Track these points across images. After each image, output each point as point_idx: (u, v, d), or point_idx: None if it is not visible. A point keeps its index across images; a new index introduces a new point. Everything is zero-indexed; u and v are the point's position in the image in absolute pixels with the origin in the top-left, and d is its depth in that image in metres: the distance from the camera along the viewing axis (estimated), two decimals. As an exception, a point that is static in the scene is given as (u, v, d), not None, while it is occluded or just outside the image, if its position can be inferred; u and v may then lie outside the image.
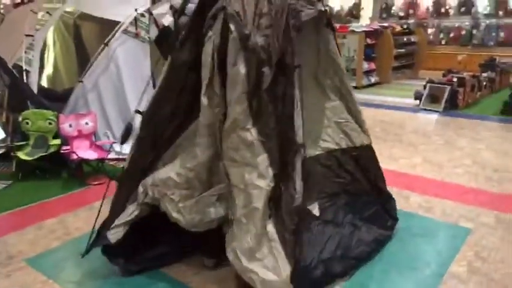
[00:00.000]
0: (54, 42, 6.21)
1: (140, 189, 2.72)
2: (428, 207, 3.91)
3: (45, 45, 5.93)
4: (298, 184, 2.30)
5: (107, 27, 5.77)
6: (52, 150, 4.49)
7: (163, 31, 5.16)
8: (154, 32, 5.28)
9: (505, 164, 5.11)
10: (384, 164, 5.01)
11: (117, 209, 2.76)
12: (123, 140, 2.93)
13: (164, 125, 2.71)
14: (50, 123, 4.62)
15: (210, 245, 2.87)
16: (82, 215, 3.74)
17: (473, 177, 4.67)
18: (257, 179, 2.32)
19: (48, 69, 6.19)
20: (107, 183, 3.02)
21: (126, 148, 5.04)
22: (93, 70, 5.08)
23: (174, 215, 2.62)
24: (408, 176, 4.73)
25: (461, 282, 2.77)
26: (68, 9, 6.04)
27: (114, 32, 5.11)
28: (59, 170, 4.60)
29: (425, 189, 4.31)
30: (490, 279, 2.80)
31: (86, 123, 4.64)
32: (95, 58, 5.10)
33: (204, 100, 2.46)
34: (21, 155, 4.41)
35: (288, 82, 2.37)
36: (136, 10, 5.11)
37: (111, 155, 4.76)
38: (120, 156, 4.96)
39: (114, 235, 2.70)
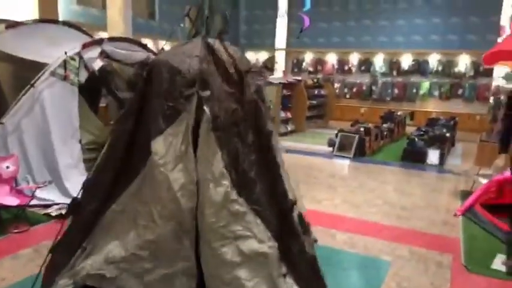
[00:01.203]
0: (-34, 81, 5.78)
1: (84, 270, 2.61)
2: (352, 243, 4.28)
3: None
4: (302, 235, 2.49)
5: (27, 68, 5.57)
6: (-34, 196, 4.12)
7: (101, 73, 5.14)
8: (84, 75, 5.23)
9: (410, 203, 5.78)
10: (309, 205, 5.42)
11: (49, 280, 2.64)
12: (71, 213, 2.80)
13: (107, 191, 2.67)
14: (-36, 167, 4.25)
15: None
16: (6, 264, 3.46)
17: (386, 216, 5.21)
18: (258, 245, 2.41)
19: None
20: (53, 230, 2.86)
21: (49, 194, 4.80)
22: (16, 111, 4.83)
23: None
24: (331, 216, 5.13)
25: (388, 309, 3.08)
26: (-16, 48, 5.72)
27: (41, 73, 4.96)
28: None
29: (348, 227, 4.71)
30: (411, 304, 3.16)
31: (7, 167, 4.36)
32: (18, 99, 4.86)
33: (171, 174, 2.45)
34: None
35: (268, 147, 2.59)
36: (66, 53, 5.04)
37: (33, 202, 4.47)
38: (42, 203, 4.69)
39: None
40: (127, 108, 2.72)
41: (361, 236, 4.47)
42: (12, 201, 4.21)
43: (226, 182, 2.45)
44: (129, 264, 2.54)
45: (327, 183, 6.71)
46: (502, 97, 9.42)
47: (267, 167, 2.56)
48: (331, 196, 5.98)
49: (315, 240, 3.72)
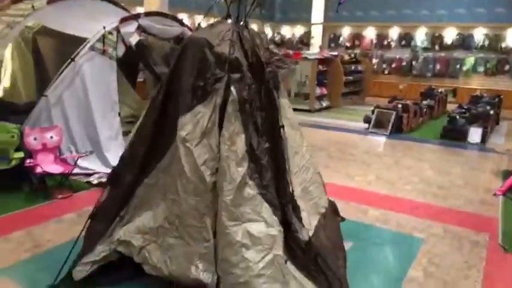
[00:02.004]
0: (12, 56, 6.04)
1: (117, 235, 2.72)
2: (384, 220, 4.24)
3: (3, 58, 5.77)
4: (298, 225, 2.56)
5: (68, 42, 5.75)
6: (15, 163, 4.38)
7: (138, 48, 5.25)
8: (121, 50, 5.35)
9: (447, 181, 5.63)
10: (342, 181, 5.42)
11: (88, 243, 2.76)
12: (112, 183, 2.94)
13: (141, 165, 2.76)
14: (12, 136, 4.50)
15: None
16: (52, 227, 3.69)
17: (421, 193, 5.11)
18: (266, 228, 2.47)
19: (5, 83, 6.00)
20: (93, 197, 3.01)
21: (91, 164, 5.02)
22: (58, 85, 5.03)
23: (160, 264, 2.58)
24: (365, 192, 5.09)
25: (419, 285, 3.06)
26: (28, 24, 5.93)
27: (81, 47, 5.12)
28: (20, 184, 4.47)
29: (381, 204, 4.66)
30: (443, 281, 3.12)
31: (51, 137, 4.58)
32: (60, 73, 5.06)
33: (196, 150, 2.50)
34: (-19, 169, 4.25)
35: (278, 140, 2.65)
36: (104, 28, 5.16)
37: (76, 170, 4.70)
38: (84, 172, 4.92)
39: (80, 273, 2.69)
40: (161, 83, 2.77)
41: (394, 212, 4.43)
42: (57, 169, 4.44)
43: (246, 164, 2.51)
44: (155, 236, 2.62)
45: (361, 160, 6.63)
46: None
47: (275, 158, 2.63)
48: (365, 172, 5.91)
49: (342, 219, 3.74)
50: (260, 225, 2.48)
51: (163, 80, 2.76)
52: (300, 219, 2.63)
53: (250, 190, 2.51)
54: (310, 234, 2.67)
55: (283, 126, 2.72)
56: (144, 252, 2.64)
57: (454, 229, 4.06)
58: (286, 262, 2.48)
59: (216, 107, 2.54)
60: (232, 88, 2.55)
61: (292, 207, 2.64)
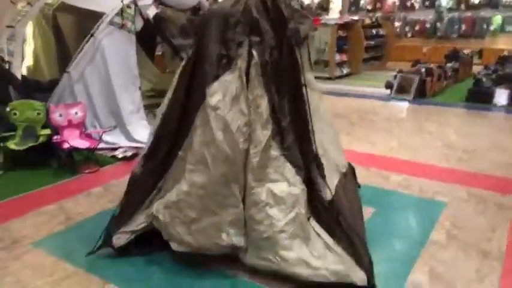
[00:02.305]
0: (33, 33, 6.15)
1: (152, 209, 2.77)
2: (406, 185, 4.23)
3: (25, 36, 5.88)
4: (322, 185, 2.59)
5: (87, 18, 5.79)
6: (42, 140, 4.53)
7: (156, 21, 5.25)
8: (139, 24, 5.36)
9: (472, 145, 5.53)
10: (363, 147, 5.40)
11: (126, 213, 2.85)
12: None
13: (174, 136, 2.79)
14: (38, 114, 4.64)
15: None
16: (81, 200, 3.84)
17: (445, 158, 5.05)
18: (289, 188, 2.54)
19: (28, 61, 6.13)
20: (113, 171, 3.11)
21: (114, 138, 5.14)
22: (79, 61, 5.11)
23: (187, 238, 2.62)
24: (386, 158, 5.06)
25: (441, 248, 3.07)
26: (47, 1, 5.99)
27: (99, 22, 5.15)
28: (48, 160, 4.63)
29: (403, 169, 4.63)
30: (466, 244, 3.12)
31: (76, 113, 4.69)
32: (80, 49, 5.12)
33: (228, 116, 2.50)
34: (11, 145, 4.42)
35: (300, 99, 2.65)
36: (122, 1, 5.16)
37: (101, 145, 4.83)
38: (109, 146, 5.05)
39: (118, 240, 2.80)
40: (188, 55, 2.77)
41: (416, 178, 4.40)
42: (83, 144, 4.57)
43: (270, 127, 2.55)
44: (178, 210, 2.64)
45: (382, 126, 6.55)
46: None
47: (298, 118, 2.64)
48: (386, 139, 5.85)
49: (358, 186, 3.76)
50: (283, 185, 2.55)
51: (189, 52, 2.75)
52: (323, 177, 2.65)
53: (273, 151, 2.57)
54: (332, 193, 2.70)
55: (305, 85, 2.71)
56: (168, 227, 2.69)
57: (478, 192, 4.02)
58: (309, 219, 2.55)
59: (242, 72, 2.56)
60: (253, 52, 2.56)
61: (316, 165, 2.67)
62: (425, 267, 2.82)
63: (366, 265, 2.48)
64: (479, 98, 8.16)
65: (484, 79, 8.52)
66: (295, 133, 2.66)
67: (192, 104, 2.71)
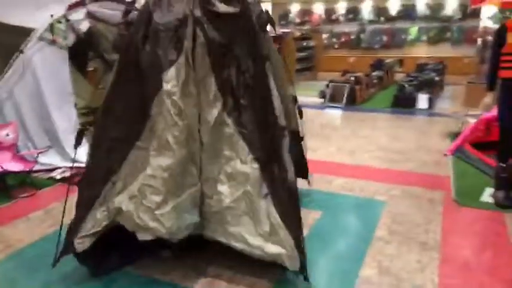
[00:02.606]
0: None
1: (112, 205, 2.69)
2: (348, 187, 4.47)
3: None
4: (288, 163, 2.62)
5: (15, 33, 5.48)
6: (-31, 165, 4.20)
7: (87, 36, 5.08)
8: (71, 39, 5.16)
9: (402, 147, 5.97)
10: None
11: (81, 214, 2.72)
12: (77, 144, 2.89)
13: (120, 124, 2.71)
14: (-37, 137, 4.30)
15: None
16: (20, 226, 3.61)
17: (379, 160, 5.41)
18: (241, 165, 2.60)
19: None
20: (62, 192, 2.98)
21: (50, 159, 4.88)
22: (8, 79, 4.81)
23: (152, 224, 2.58)
24: (327, 163, 5.31)
25: (385, 243, 3.30)
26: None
27: (29, 38, 4.90)
28: (-23, 186, 4.30)
29: (343, 173, 4.90)
30: (406, 237, 3.38)
31: (7, 135, 4.42)
32: (9, 66, 4.83)
33: (180, 101, 2.53)
34: None
35: (262, 73, 2.65)
36: (52, 16, 4.96)
37: (36, 167, 4.57)
38: (45, 168, 4.79)
39: (81, 245, 2.67)
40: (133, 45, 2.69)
41: (356, 179, 4.67)
42: (16, 166, 4.30)
43: (219, 105, 2.61)
44: (143, 197, 2.60)
45: (320, 133, 6.86)
46: (490, 38, 9.44)
47: (260, 92, 2.65)
48: (325, 145, 6.14)
49: (308, 182, 3.98)
50: (235, 162, 2.64)
51: (136, 42, 2.67)
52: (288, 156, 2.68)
53: (228, 129, 2.64)
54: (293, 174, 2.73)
55: (266, 57, 2.71)
56: (133, 217, 2.62)
57: (412, 189, 4.36)
58: (266, 196, 2.61)
59: (188, 53, 2.55)
60: (198, 30, 2.56)
61: (284, 141, 2.67)
62: (373, 263, 3.01)
63: (302, 252, 2.61)
64: (403, 103, 8.83)
65: (406, 86, 9.23)
66: (254, 108, 2.65)
67: (142, 94, 2.66)
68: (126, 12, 3.40)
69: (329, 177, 4.74)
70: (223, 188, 2.65)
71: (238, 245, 2.66)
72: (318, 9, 16.27)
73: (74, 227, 2.70)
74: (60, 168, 4.79)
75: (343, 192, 4.35)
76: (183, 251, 2.92)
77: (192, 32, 2.56)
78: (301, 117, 3.82)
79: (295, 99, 3.77)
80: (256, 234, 2.61)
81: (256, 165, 2.62)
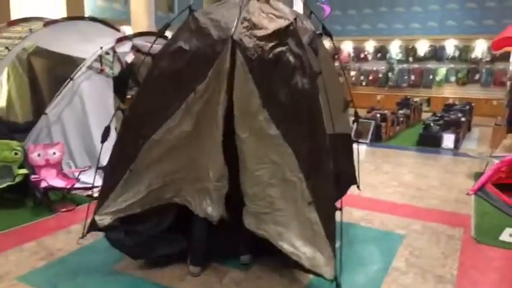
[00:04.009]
0: (8, 76, 6.29)
1: (146, 186, 3.18)
2: (368, 220, 4.62)
3: (0, 80, 6.01)
4: (330, 175, 2.86)
5: (62, 62, 6.02)
6: (19, 179, 4.60)
7: (128, 68, 5.55)
8: (117, 69, 5.65)
9: (424, 184, 6.07)
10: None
11: (103, 195, 3.22)
12: (104, 139, 3.42)
13: (143, 124, 3.16)
14: (16, 154, 4.73)
15: (197, 252, 3.27)
16: (60, 237, 3.93)
17: (401, 195, 5.53)
18: (289, 173, 2.88)
19: (1, 102, 6.22)
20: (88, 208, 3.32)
21: (90, 178, 5.24)
22: (58, 103, 5.29)
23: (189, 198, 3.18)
24: (348, 195, 5.42)
25: (402, 274, 3.43)
26: (24, 46, 6.18)
27: (79, 67, 5.40)
28: (24, 199, 4.68)
29: (364, 206, 5.05)
30: (423, 270, 3.50)
31: (54, 153, 4.83)
32: (59, 92, 5.32)
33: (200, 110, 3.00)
34: (-13, 185, 4.46)
35: (312, 87, 2.88)
36: (101, 48, 5.46)
37: (76, 184, 4.93)
38: (84, 186, 5.15)
39: (101, 221, 3.16)
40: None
41: (377, 213, 4.81)
42: (60, 183, 4.68)
43: (262, 118, 2.87)
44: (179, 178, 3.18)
45: (344, 167, 7.02)
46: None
47: (309, 106, 2.87)
48: (348, 178, 6.30)
49: (358, 187, 4.44)
50: (283, 169, 2.90)
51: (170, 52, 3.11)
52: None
53: (277, 139, 2.88)
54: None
55: (318, 74, 2.99)
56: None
57: (431, 225, 4.47)
58: (310, 204, 2.84)
59: (224, 67, 2.88)
60: (237, 51, 2.86)
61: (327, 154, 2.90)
62: (389, 291, 3.15)
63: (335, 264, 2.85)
64: (428, 142, 8.91)
65: (432, 125, 9.34)
66: (302, 122, 2.88)
67: (169, 98, 3.08)
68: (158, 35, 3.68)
69: (349, 208, 4.89)
70: (273, 191, 2.95)
71: (284, 246, 2.93)
72: (347, 47, 16.69)
73: (97, 207, 3.16)
74: (97, 187, 5.13)
75: (363, 223, 4.50)
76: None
77: (231, 53, 2.88)
78: (357, 119, 4.19)
79: (347, 104, 4.08)
80: (301, 238, 2.87)
81: (301, 175, 2.86)
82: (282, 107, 2.87)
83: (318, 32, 3.36)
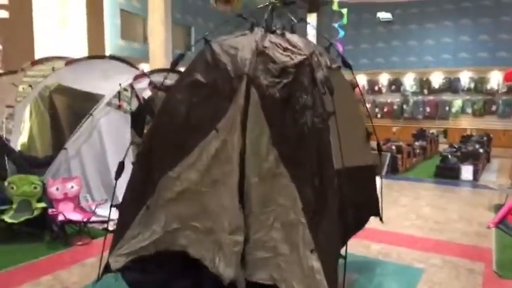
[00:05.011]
0: (31, 114, 6.52)
1: (157, 227, 3.09)
2: (386, 253, 4.52)
3: (23, 116, 6.23)
4: (336, 221, 2.77)
5: (81, 98, 6.23)
6: (37, 213, 4.68)
7: (146, 103, 5.71)
8: (135, 104, 5.81)
9: (443, 217, 5.95)
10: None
11: (120, 230, 3.15)
12: (118, 176, 3.40)
13: (160, 161, 3.11)
14: (35, 188, 4.84)
15: None
16: (75, 271, 3.95)
17: (419, 229, 5.42)
18: (294, 217, 2.78)
19: (24, 138, 6.43)
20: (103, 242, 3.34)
21: (106, 211, 5.31)
22: (77, 138, 5.44)
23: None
24: (366, 229, 5.34)
25: (421, 309, 3.33)
26: (47, 83, 6.44)
27: (98, 103, 5.58)
28: (41, 232, 4.75)
29: (382, 239, 4.95)
30: (443, 305, 3.39)
31: (72, 187, 4.92)
32: (79, 127, 5.48)
33: (230, 144, 2.90)
34: (6, 218, 4.55)
35: (322, 127, 2.83)
36: (120, 85, 5.65)
37: (93, 218, 4.99)
38: (101, 219, 5.20)
39: (115, 264, 3.06)
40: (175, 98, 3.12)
41: (394, 246, 4.72)
42: (77, 216, 4.74)
43: (272, 158, 2.82)
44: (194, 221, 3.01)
45: (360, 200, 6.95)
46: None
47: (317, 146, 2.80)
48: (364, 211, 6.22)
49: (380, 219, 4.18)
50: (289, 212, 2.79)
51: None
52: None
53: (284, 180, 2.80)
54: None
55: (328, 114, 2.87)
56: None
57: (451, 259, 4.35)
58: (312, 252, 2.73)
59: (239, 105, 2.86)
60: (252, 88, 2.86)
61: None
62: (407, 328, 3.05)
63: None
64: (446, 174, 8.79)
65: (450, 156, 9.23)
66: (311, 161, 2.80)
67: (187, 134, 3.04)
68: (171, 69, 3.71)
69: (367, 242, 4.81)
70: (277, 235, 2.83)
71: None
72: (361, 80, 16.84)
73: (112, 246, 3.09)
74: (113, 220, 5.18)
75: (381, 257, 4.41)
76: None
77: (246, 90, 2.86)
78: (380, 151, 4.05)
79: (369, 135, 4.02)
80: (303, 286, 2.73)
81: (304, 220, 2.76)
82: (291, 145, 2.82)
83: (336, 66, 3.30)
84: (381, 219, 4.27)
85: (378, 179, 4.22)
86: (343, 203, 2.81)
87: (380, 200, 4.17)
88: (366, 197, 4.00)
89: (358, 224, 3.94)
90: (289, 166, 2.81)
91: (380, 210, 4.20)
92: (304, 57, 2.94)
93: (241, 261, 2.90)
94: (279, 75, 2.89)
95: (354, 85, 3.83)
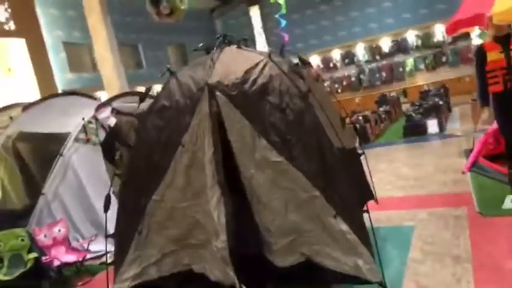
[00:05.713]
0: (-3, 167, 6.36)
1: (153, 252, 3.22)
2: (376, 219, 4.66)
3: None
4: (346, 185, 2.92)
5: (47, 141, 6.12)
6: (30, 264, 4.60)
7: (111, 130, 5.67)
8: (102, 134, 5.77)
9: (420, 172, 6.23)
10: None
11: (119, 259, 3.32)
12: (106, 208, 3.48)
13: (143, 186, 3.26)
14: (22, 240, 4.74)
15: None
16: (84, 311, 3.94)
17: (401, 189, 5.67)
18: (304, 194, 2.92)
19: (-4, 194, 6.26)
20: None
21: (99, 245, 5.28)
22: (52, 180, 5.37)
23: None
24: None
25: (420, 263, 3.53)
26: (8, 133, 6.29)
27: (66, 142, 5.51)
28: (39, 283, 4.68)
29: (368, 206, 5.13)
30: (439, 255, 3.60)
31: (59, 230, 4.86)
32: (52, 170, 5.41)
33: (202, 152, 3.09)
34: (1, 277, 4.46)
35: (306, 106, 2.99)
36: (83, 119, 5.60)
37: (88, 255, 4.96)
38: (96, 254, 5.18)
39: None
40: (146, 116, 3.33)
41: (382, 211, 4.91)
42: (72, 258, 4.70)
43: (262, 147, 2.95)
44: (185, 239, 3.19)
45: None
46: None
47: (307, 124, 2.95)
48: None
49: (375, 201, 4.40)
50: (297, 192, 2.93)
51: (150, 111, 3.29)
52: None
53: (282, 165, 2.94)
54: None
55: (307, 94, 3.06)
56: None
57: (436, 211, 4.59)
58: (335, 217, 2.88)
59: (203, 113, 3.05)
60: (217, 93, 3.04)
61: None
62: (411, 283, 3.24)
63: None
64: (414, 132, 9.14)
65: (413, 114, 9.59)
66: (306, 141, 2.94)
67: (159, 157, 3.21)
68: (141, 100, 3.83)
69: (356, 214, 5.00)
70: (293, 216, 2.96)
71: (325, 262, 2.95)
72: (314, 60, 17.12)
73: (114, 276, 3.25)
74: (109, 252, 5.16)
75: (372, 225, 4.58)
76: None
77: (209, 97, 3.05)
78: (357, 133, 4.16)
79: (343, 120, 4.19)
80: (338, 250, 2.90)
81: (317, 192, 2.90)
82: (279, 132, 2.95)
83: (295, 63, 3.52)
84: (376, 201, 4.44)
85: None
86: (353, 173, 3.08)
87: (370, 181, 4.42)
88: (360, 180, 4.18)
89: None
90: (283, 151, 2.95)
91: (374, 193, 4.39)
92: (264, 57, 3.16)
93: (268, 251, 3.09)
94: (243, 75, 3.06)
95: (318, 75, 4.00)
